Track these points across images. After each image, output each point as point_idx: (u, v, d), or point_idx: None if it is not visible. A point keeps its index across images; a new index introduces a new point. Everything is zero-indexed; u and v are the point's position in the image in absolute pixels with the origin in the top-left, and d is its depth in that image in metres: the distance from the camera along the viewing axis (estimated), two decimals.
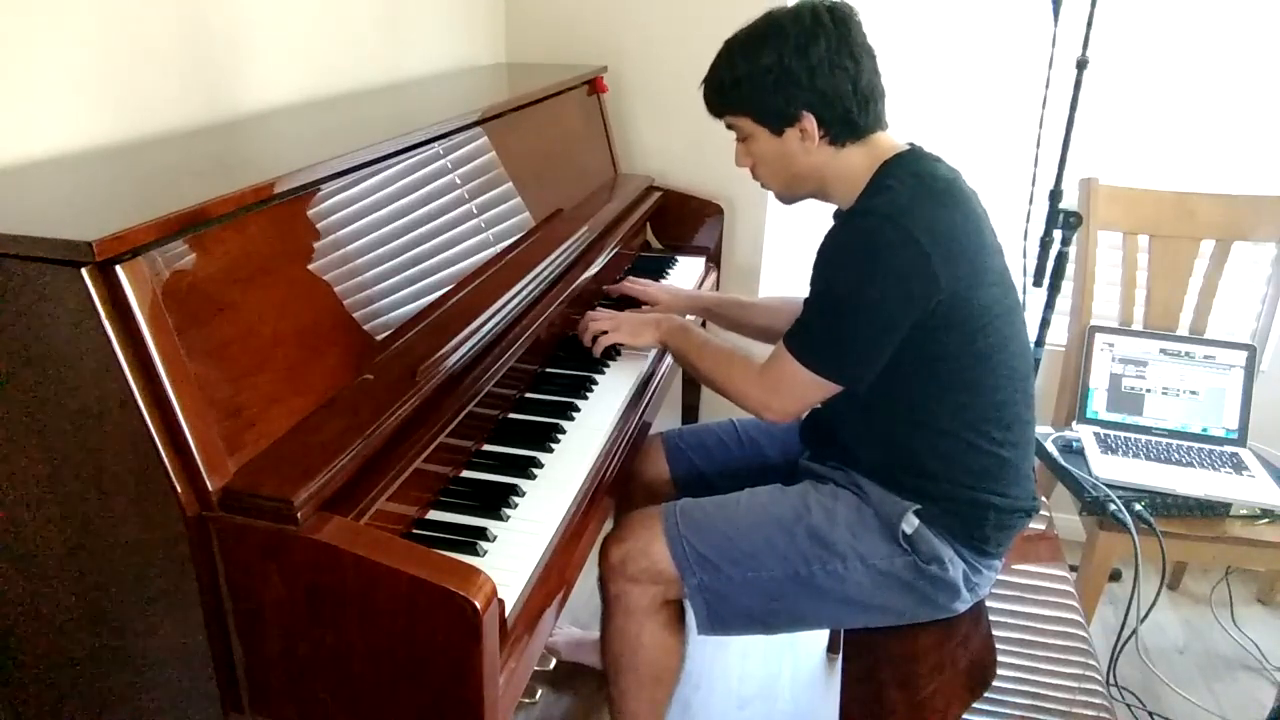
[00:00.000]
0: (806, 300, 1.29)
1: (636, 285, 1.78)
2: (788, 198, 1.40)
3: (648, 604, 1.36)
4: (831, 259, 1.25)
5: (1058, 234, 1.86)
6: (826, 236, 1.28)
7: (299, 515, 0.88)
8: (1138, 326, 2.05)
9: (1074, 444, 1.90)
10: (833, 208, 1.39)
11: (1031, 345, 1.36)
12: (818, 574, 1.31)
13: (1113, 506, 1.70)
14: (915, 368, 1.25)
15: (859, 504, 1.35)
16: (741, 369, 1.37)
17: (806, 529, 1.33)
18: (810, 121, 1.25)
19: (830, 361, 1.26)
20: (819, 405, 1.37)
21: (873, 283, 1.19)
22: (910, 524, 1.29)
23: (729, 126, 1.34)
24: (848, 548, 1.31)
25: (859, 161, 1.28)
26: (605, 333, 1.55)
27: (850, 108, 1.24)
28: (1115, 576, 2.27)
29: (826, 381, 1.27)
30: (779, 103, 1.25)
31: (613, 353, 1.61)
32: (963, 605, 1.35)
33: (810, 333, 1.28)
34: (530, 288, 1.44)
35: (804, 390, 1.30)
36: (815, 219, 2.40)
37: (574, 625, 2.00)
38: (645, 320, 1.56)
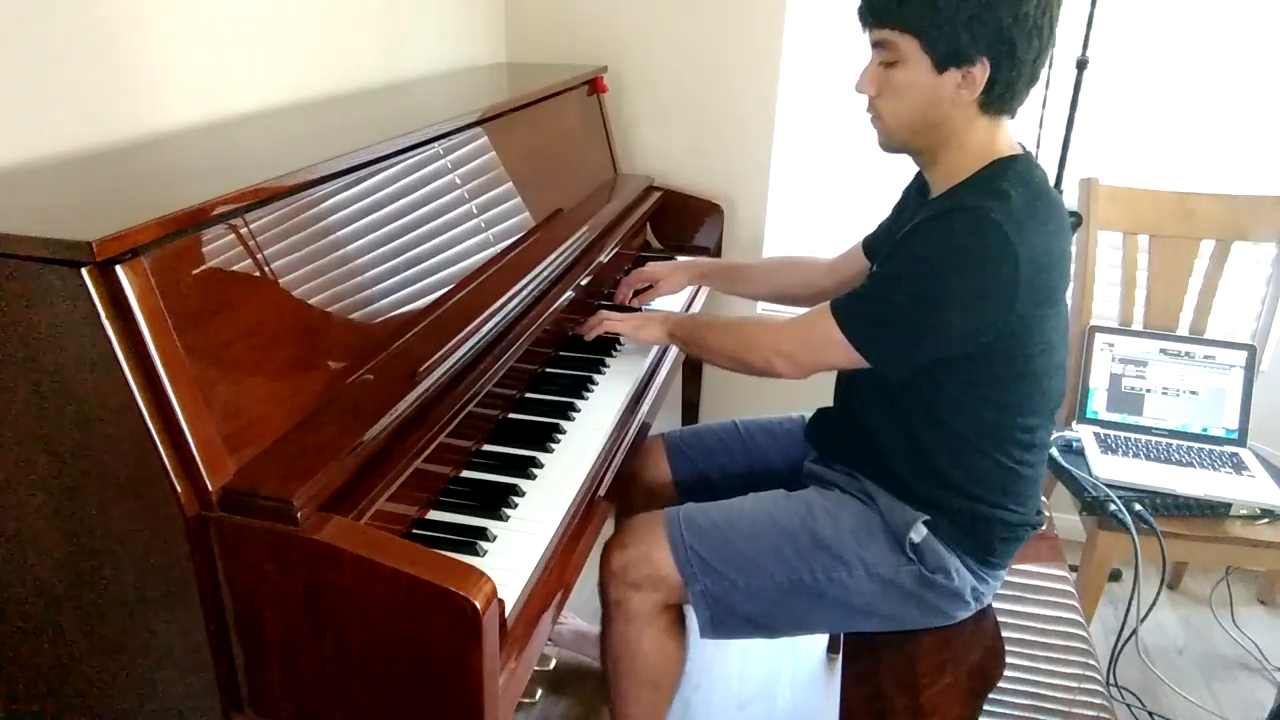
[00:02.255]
0: (874, 272, 1.24)
1: (633, 275, 1.78)
2: (895, 142, 1.26)
3: (649, 610, 1.35)
4: (919, 243, 1.19)
5: None
6: (921, 222, 1.21)
7: (299, 515, 0.88)
8: (1138, 326, 2.05)
9: (1074, 444, 1.90)
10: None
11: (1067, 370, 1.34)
12: (822, 580, 1.31)
13: (1113, 506, 1.70)
14: (960, 381, 1.23)
15: (865, 511, 1.34)
16: (757, 323, 1.35)
17: (811, 535, 1.32)
18: (983, 70, 1.14)
19: (872, 336, 1.22)
20: (833, 386, 1.35)
21: (952, 280, 1.15)
22: (919, 533, 1.29)
23: (877, 42, 1.20)
24: (852, 555, 1.31)
25: (981, 140, 1.21)
26: (612, 320, 1.56)
27: (1021, 76, 1.16)
28: (1115, 576, 2.27)
29: (857, 354, 1.23)
30: (964, 37, 1.12)
31: (611, 348, 1.61)
32: (966, 613, 1.35)
33: (865, 302, 1.23)
34: (530, 288, 1.44)
35: (830, 352, 1.25)
36: (815, 219, 2.41)
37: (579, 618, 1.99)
38: (652, 315, 1.56)
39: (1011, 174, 1.19)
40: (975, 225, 1.13)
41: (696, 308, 1.95)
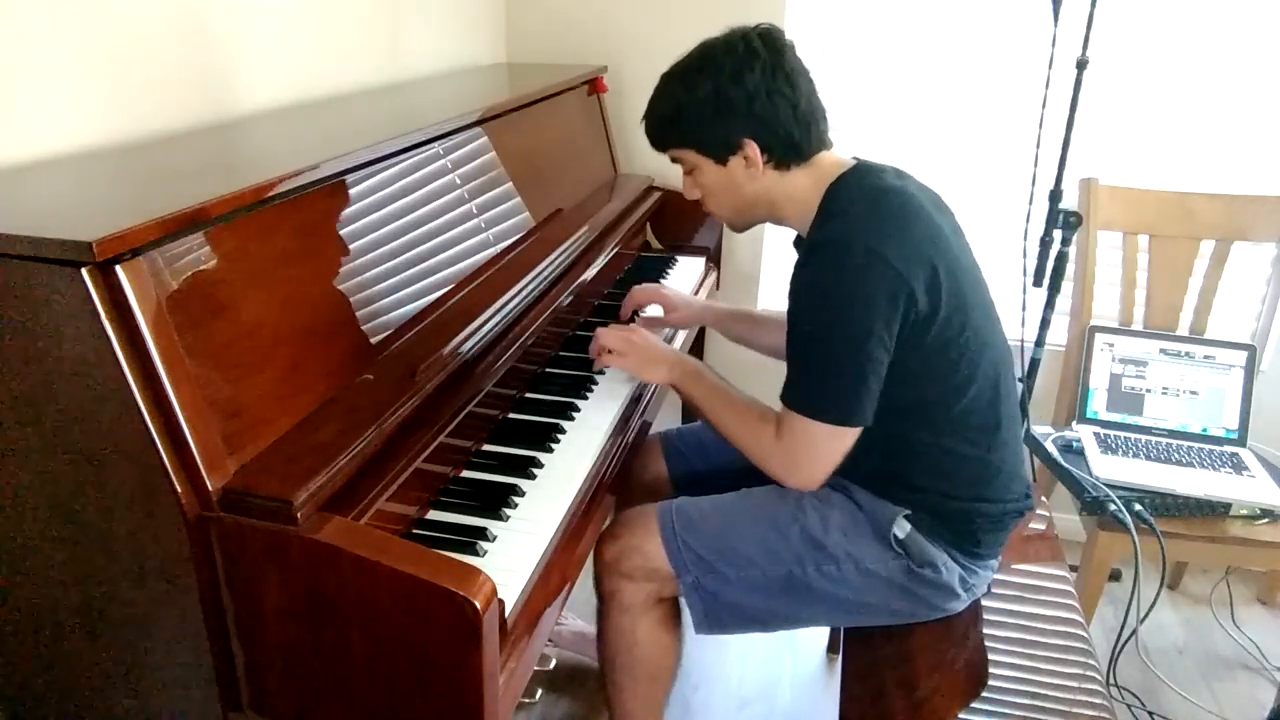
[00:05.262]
0: (793, 351, 1.26)
1: (646, 291, 1.73)
2: (740, 225, 1.40)
3: (642, 601, 1.36)
4: (805, 299, 1.24)
5: (1058, 234, 1.86)
6: (794, 275, 1.26)
7: (299, 515, 0.88)
8: (1138, 326, 2.05)
9: (1074, 444, 1.90)
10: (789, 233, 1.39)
11: (1008, 340, 1.34)
12: (812, 575, 1.31)
13: (1113, 506, 1.70)
14: (894, 385, 1.23)
15: (852, 508, 1.34)
16: (758, 431, 1.30)
17: (801, 531, 1.33)
18: (753, 148, 1.25)
19: (839, 406, 1.22)
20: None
21: (853, 312, 1.17)
22: (902, 529, 1.29)
23: (674, 160, 1.35)
24: (841, 550, 1.31)
25: (806, 183, 1.28)
26: (613, 353, 1.47)
27: (791, 131, 1.25)
28: (1115, 576, 2.27)
29: (844, 429, 1.23)
30: (720, 131, 1.26)
31: None
32: (959, 605, 1.35)
33: (809, 383, 1.24)
34: (530, 288, 1.44)
35: (824, 447, 1.25)
36: None
37: (579, 619, 1.99)
38: (658, 356, 1.46)
39: (840, 192, 1.26)
40: (830, 255, 1.20)
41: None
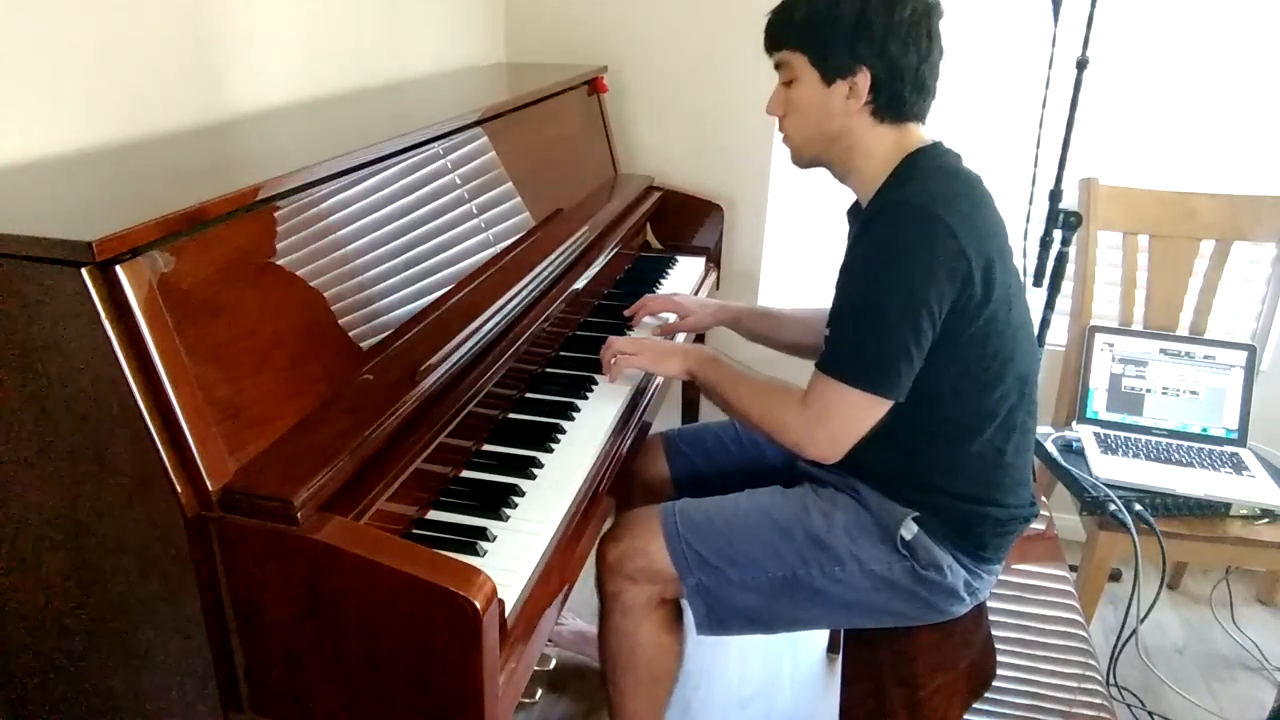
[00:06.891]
0: (837, 315, 1.24)
1: (660, 300, 1.74)
2: (805, 159, 1.35)
3: (644, 603, 1.36)
4: (863, 261, 1.22)
5: (1058, 234, 1.85)
6: (852, 244, 1.25)
7: (299, 515, 0.88)
8: (1138, 326, 2.05)
9: (1074, 444, 1.90)
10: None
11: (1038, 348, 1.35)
12: (816, 577, 1.31)
13: (1113, 506, 1.70)
14: (928, 370, 1.22)
15: (857, 509, 1.34)
16: (780, 400, 1.30)
17: (805, 532, 1.32)
18: (865, 80, 1.22)
19: (877, 374, 1.20)
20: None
21: (911, 277, 1.16)
22: (909, 530, 1.29)
23: (777, 66, 1.30)
24: (845, 552, 1.31)
25: (888, 144, 1.27)
26: (627, 354, 1.47)
27: (905, 85, 1.23)
28: (1115, 576, 2.27)
29: (878, 397, 1.21)
30: (845, 50, 1.22)
31: None
32: (962, 608, 1.35)
33: (850, 348, 1.22)
34: (530, 288, 1.44)
35: (853, 415, 1.23)
36: (816, 218, 2.41)
37: (579, 618, 1.99)
38: (671, 348, 1.48)
39: (922, 162, 1.25)
40: (901, 216, 1.19)
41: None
